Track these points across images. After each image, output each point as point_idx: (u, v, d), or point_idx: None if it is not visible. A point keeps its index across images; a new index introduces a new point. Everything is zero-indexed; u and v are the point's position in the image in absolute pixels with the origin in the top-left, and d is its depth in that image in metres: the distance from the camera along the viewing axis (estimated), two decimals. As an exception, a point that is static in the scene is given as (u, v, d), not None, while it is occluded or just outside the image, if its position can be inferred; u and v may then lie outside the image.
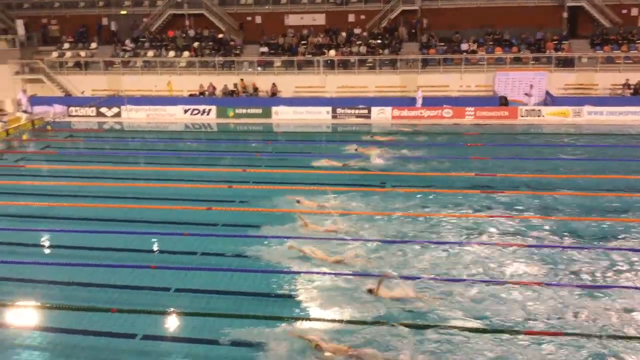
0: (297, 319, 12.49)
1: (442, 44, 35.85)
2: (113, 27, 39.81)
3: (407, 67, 34.75)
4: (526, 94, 32.05)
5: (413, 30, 37.04)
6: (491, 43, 35.57)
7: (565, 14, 35.64)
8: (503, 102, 31.94)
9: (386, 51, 35.63)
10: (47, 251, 16.61)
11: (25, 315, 13.26)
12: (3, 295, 13.92)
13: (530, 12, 35.82)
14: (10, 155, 26.75)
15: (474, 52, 34.95)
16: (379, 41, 36.30)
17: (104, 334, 12.20)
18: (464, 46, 35.19)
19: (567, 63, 33.82)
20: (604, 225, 16.88)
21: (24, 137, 29.82)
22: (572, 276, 14.07)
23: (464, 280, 13.81)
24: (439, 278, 13.89)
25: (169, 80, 35.58)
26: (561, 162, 23.28)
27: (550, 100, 32.01)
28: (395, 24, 37.38)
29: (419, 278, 13.80)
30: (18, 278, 14.69)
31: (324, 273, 14.20)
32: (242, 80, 35.03)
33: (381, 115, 31.66)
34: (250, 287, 13.92)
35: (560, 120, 30.43)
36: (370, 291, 12.99)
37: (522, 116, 30.88)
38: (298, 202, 18.11)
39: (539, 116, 30.81)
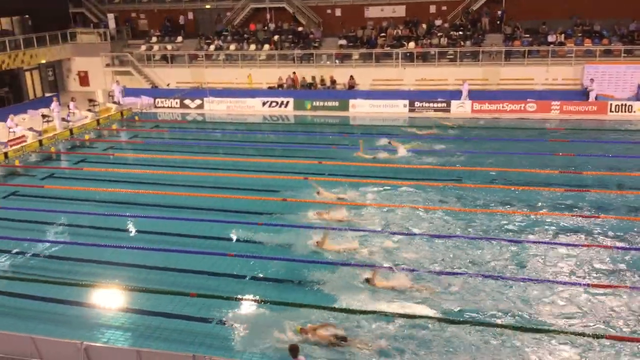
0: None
1: (528, 35, 34.55)
2: (182, 20, 41.10)
3: (489, 59, 33.76)
4: (586, 88, 30.50)
5: (498, 22, 35.95)
6: (580, 34, 33.91)
7: (662, 3, 33.46)
8: (591, 96, 30.45)
9: (468, 43, 34.78)
10: (131, 236, 17.42)
11: (110, 296, 13.98)
12: (90, 276, 14.77)
13: (622, 2, 33.75)
14: (101, 143, 28.23)
15: (561, 43, 33.46)
16: (460, 33, 35.49)
17: (182, 317, 12.73)
18: (551, 37, 33.75)
19: (663, 56, 31.79)
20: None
21: (114, 126, 31.33)
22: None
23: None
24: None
25: (249, 73, 36.31)
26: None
27: (643, 94, 30.22)
28: (478, 15, 36.42)
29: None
30: (104, 261, 15.54)
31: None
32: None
33: (461, 109, 30.95)
34: (315, 277, 14.09)
35: (654, 116, 28.67)
36: (367, 280, 13.48)
37: (611, 111, 29.29)
38: (318, 193, 18.98)
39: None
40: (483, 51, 33.83)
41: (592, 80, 30.43)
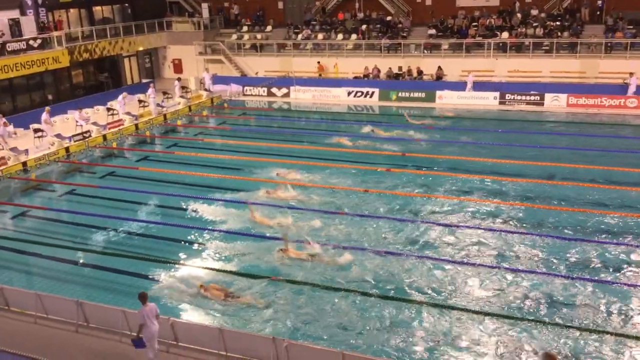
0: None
1: (631, 26, 32.44)
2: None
3: (588, 52, 32.01)
4: (625, 82, 28.44)
5: (597, 12, 34.01)
6: (691, 25, 31.53)
7: None
8: (701, 92, 28.28)
9: (565, 34, 33.12)
10: (217, 219, 17.86)
11: (195, 275, 14.45)
12: (176, 255, 15.38)
13: None
14: (192, 129, 29.25)
15: (669, 35, 31.26)
16: (557, 23, 33.85)
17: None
18: (658, 29, 31.59)
19: None
20: None
21: (204, 113, 32.36)
22: None
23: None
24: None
25: (336, 63, 36.32)
26: None
27: None
28: (577, 5, 34.60)
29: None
30: (190, 241, 16.14)
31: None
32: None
33: (555, 103, 29.62)
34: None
35: None
36: (281, 250, 14.77)
37: None
38: (277, 174, 20.44)
39: None
40: (581, 43, 32.11)
41: (631, 74, 28.50)
